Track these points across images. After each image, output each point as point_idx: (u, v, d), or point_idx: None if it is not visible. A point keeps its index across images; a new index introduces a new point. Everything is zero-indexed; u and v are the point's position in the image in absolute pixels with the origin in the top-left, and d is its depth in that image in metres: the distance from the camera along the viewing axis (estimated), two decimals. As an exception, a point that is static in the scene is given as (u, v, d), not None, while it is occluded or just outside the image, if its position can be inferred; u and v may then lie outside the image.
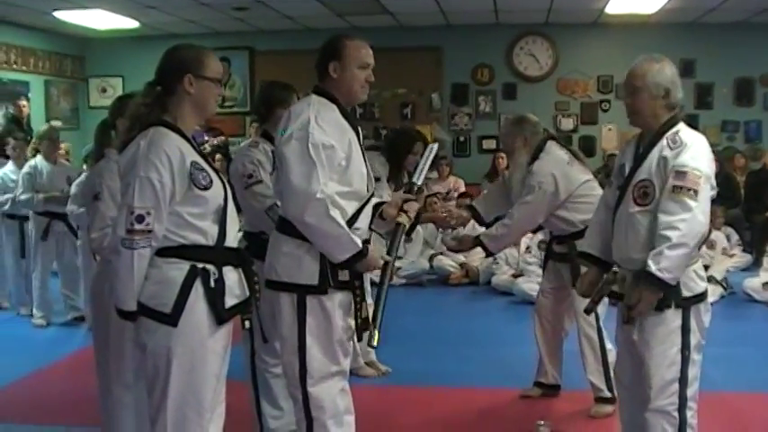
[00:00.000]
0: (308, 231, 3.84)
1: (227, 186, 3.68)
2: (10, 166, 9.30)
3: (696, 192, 3.88)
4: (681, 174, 3.91)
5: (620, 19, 13.01)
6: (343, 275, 3.97)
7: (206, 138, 12.30)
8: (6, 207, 9.06)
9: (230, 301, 3.57)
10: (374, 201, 4.17)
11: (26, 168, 8.81)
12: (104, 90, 15.52)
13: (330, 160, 3.86)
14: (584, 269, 4.74)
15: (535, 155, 5.88)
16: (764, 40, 13.57)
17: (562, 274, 5.95)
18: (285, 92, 5.42)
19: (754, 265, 10.71)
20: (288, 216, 3.92)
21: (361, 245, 3.88)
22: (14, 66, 13.42)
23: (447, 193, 12.70)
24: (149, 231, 3.39)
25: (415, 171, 4.60)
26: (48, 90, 14.41)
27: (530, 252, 10.27)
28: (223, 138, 13.02)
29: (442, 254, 11.40)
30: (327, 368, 4.01)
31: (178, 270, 3.46)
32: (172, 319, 3.43)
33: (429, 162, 4.68)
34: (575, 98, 14.35)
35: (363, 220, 4.06)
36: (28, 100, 12.91)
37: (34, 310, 8.89)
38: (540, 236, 10.30)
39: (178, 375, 3.46)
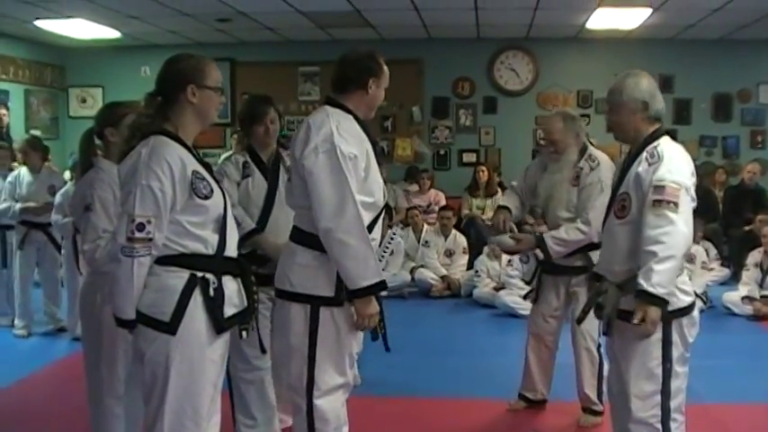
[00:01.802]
0: (338, 247, 3.78)
1: (226, 197, 3.70)
2: (-8, 175, 9.24)
3: (676, 204, 3.92)
4: (659, 188, 3.95)
5: (601, 34, 13.08)
6: None
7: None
8: (-14, 217, 9.00)
9: (229, 310, 3.59)
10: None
11: (9, 177, 8.80)
12: (84, 100, 15.46)
13: (354, 171, 3.85)
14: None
15: (581, 153, 5.78)
16: (742, 56, 13.68)
17: (560, 290, 5.93)
18: (263, 106, 5.39)
19: (733, 279, 10.79)
20: (320, 230, 3.80)
21: (378, 277, 3.87)
22: (-6, 75, 13.38)
23: (428, 206, 12.73)
24: (150, 240, 3.40)
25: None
26: (27, 99, 14.34)
27: (511, 265, 10.30)
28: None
29: (423, 266, 11.42)
30: (335, 381, 4.01)
31: (177, 278, 3.48)
32: (170, 327, 3.45)
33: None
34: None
35: (377, 231, 4.07)
36: (8, 109, 12.84)
37: (15, 321, 8.86)
38: (521, 249, 10.33)
39: (176, 384, 3.47)
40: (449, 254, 11.60)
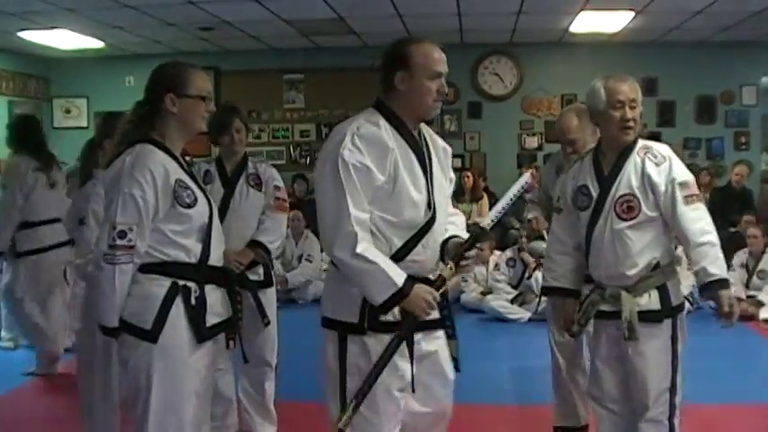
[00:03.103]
0: (341, 267, 3.43)
1: (213, 206, 3.70)
2: (-23, 185, 9.19)
3: (699, 196, 4.09)
4: (684, 184, 4.05)
5: (585, 38, 13.12)
6: (390, 315, 3.49)
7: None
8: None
9: (212, 319, 3.58)
10: (449, 232, 3.70)
11: (-1, 190, 8.77)
12: (69, 111, 15.44)
13: (366, 184, 3.38)
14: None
15: None
16: (725, 58, 13.73)
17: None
18: (229, 116, 5.40)
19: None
20: (324, 249, 3.57)
21: (400, 282, 3.36)
22: (-22, 86, 13.34)
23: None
24: (131, 247, 3.40)
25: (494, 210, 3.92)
26: (11, 110, 14.28)
27: (498, 269, 10.32)
28: (188, 158, 13.01)
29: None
30: (367, 420, 3.56)
31: (159, 286, 3.47)
32: (151, 335, 3.44)
33: (511, 200, 3.96)
34: (539, 117, 14.42)
35: (423, 253, 3.58)
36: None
37: (2, 333, 8.81)
38: (508, 253, 10.37)
39: (158, 392, 3.45)
40: (436, 259, 11.59)
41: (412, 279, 3.42)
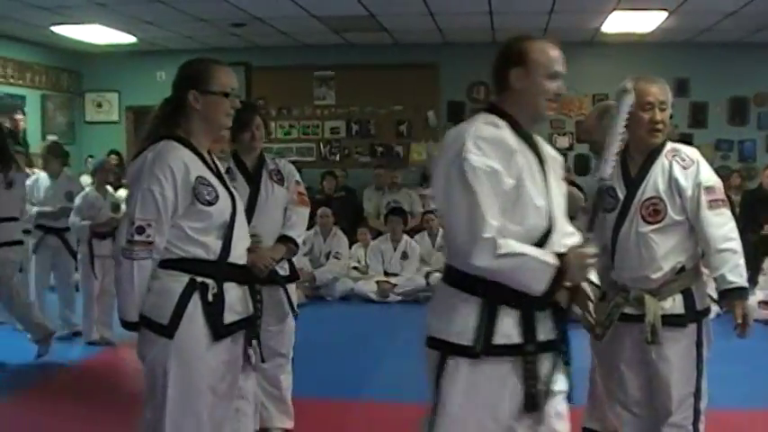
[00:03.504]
0: (488, 275, 3.10)
1: (237, 203, 3.68)
2: (7, 179, 9.27)
3: (725, 201, 4.08)
4: (710, 189, 4.05)
5: (617, 38, 13.05)
6: (508, 337, 3.16)
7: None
8: (2, 220, 9.03)
9: (230, 317, 3.56)
10: (566, 244, 3.25)
11: (27, 182, 8.84)
12: (100, 105, 15.54)
13: (497, 188, 3.10)
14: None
15: None
16: (758, 59, 13.60)
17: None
18: (249, 113, 5.38)
19: (749, 283, 10.72)
20: (456, 261, 3.20)
21: (554, 260, 3.09)
22: (11, 80, 13.42)
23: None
24: (150, 243, 3.42)
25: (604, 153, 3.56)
26: (44, 104, 14.41)
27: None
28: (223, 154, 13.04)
29: (438, 271, 11.39)
30: None
31: (177, 282, 3.47)
32: (168, 331, 3.44)
33: (621, 125, 3.56)
34: (570, 116, 14.33)
35: None
36: (24, 114, 12.90)
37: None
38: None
39: (174, 388, 3.46)
40: (463, 258, 11.58)
41: (558, 253, 3.14)
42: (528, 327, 3.16)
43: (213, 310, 3.50)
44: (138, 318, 3.49)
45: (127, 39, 13.30)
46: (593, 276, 3.55)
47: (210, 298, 3.50)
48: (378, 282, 11.27)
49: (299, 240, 5.38)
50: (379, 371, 7.41)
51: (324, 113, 14.92)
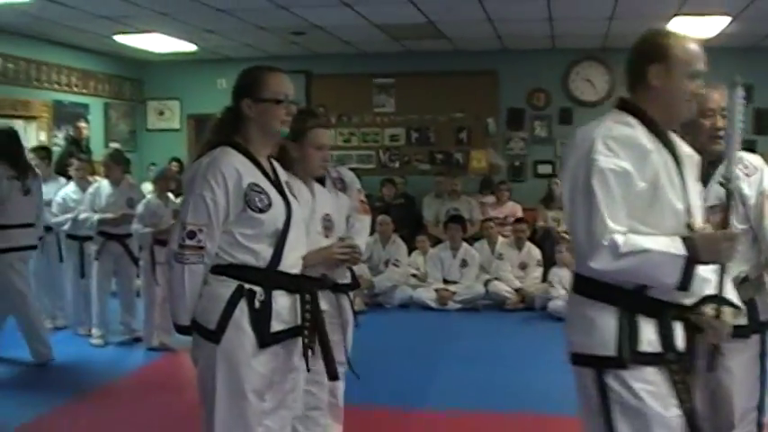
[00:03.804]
0: (611, 276, 3.00)
1: (293, 211, 3.66)
2: (72, 186, 9.44)
3: None
4: None
5: (678, 43, 12.90)
6: (649, 344, 3.02)
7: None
8: (66, 227, 9.17)
9: (277, 326, 3.55)
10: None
11: (90, 189, 8.97)
12: (162, 113, 15.68)
13: (625, 190, 2.97)
14: None
15: None
16: (824, 65, 13.38)
17: None
18: (309, 120, 5.35)
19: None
20: (583, 267, 3.07)
21: (682, 249, 2.93)
22: (75, 88, 13.60)
23: (504, 218, 12.61)
24: (200, 248, 3.44)
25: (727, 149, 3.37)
26: (107, 112, 14.58)
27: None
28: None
29: (497, 279, 11.34)
30: None
31: (225, 288, 3.48)
32: (215, 336, 3.46)
33: (738, 121, 3.31)
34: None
35: None
36: (87, 122, 13.05)
37: (93, 330, 8.98)
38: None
39: (222, 393, 3.47)
40: (523, 266, 11.53)
41: (685, 238, 2.98)
42: (666, 335, 3.04)
43: (260, 318, 3.49)
44: (189, 322, 3.52)
45: (188, 47, 13.40)
46: (734, 296, 3.29)
47: (257, 305, 3.49)
48: (437, 289, 11.24)
49: (363, 248, 5.35)
50: (438, 379, 7.38)
51: (383, 121, 14.92)
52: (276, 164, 3.80)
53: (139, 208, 8.52)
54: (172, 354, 8.31)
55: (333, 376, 4.20)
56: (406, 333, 9.88)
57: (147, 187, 11.25)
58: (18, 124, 12.11)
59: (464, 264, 11.49)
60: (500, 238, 11.85)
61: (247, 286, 3.49)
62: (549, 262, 11.29)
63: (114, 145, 13.60)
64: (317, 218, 4.42)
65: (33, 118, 12.58)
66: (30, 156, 10.15)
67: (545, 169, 14.25)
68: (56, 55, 13.04)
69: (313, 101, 14.56)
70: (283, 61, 13.31)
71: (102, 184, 9.00)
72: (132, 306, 9.17)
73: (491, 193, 13.26)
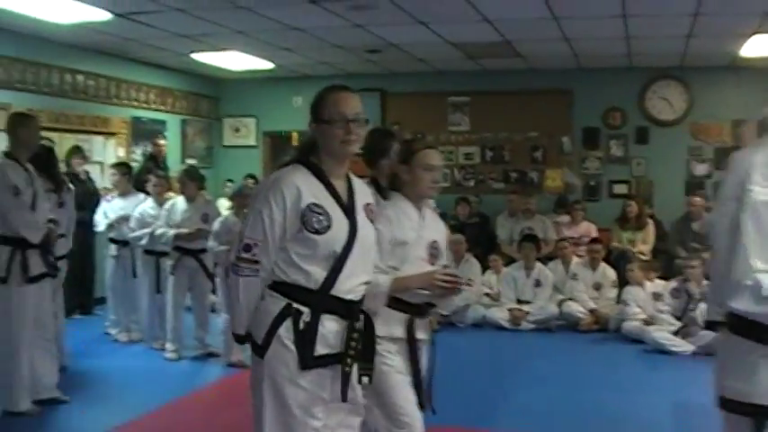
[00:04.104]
0: (752, 316, 2.81)
1: (359, 236, 3.58)
2: (149, 202, 9.57)
3: None
4: None
5: (756, 62, 12.70)
6: None
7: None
8: (143, 242, 9.31)
9: (322, 349, 3.49)
10: None
11: (166, 205, 9.09)
12: (237, 129, 15.84)
13: None
14: None
15: None
16: None
17: None
18: (387, 140, 5.33)
19: None
20: (726, 301, 2.86)
21: None
22: (153, 105, 13.83)
23: (578, 238, 12.49)
24: (255, 261, 3.47)
25: None
26: (184, 129, 14.78)
27: (662, 300, 10.05)
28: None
29: (571, 299, 11.24)
30: None
31: (275, 305, 3.49)
32: (260, 351, 3.50)
33: None
34: (709, 143, 13.96)
35: None
36: (165, 138, 13.22)
37: (167, 344, 9.08)
38: (673, 283, 10.08)
39: (270, 407, 3.48)
40: (597, 287, 11.41)
41: None
42: None
43: (304, 339, 3.46)
44: (244, 332, 3.58)
45: (264, 65, 13.51)
46: None
47: (302, 326, 3.47)
48: (510, 309, 11.17)
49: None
50: (510, 400, 7.33)
51: (458, 139, 14.89)
52: (360, 186, 3.75)
53: (215, 225, 8.60)
54: (245, 371, 8.34)
55: (422, 405, 4.20)
56: (479, 353, 9.83)
57: (223, 203, 11.38)
58: (97, 140, 12.37)
59: (538, 284, 11.41)
60: (574, 258, 11.74)
61: (295, 306, 3.47)
62: (623, 283, 11.15)
63: (191, 161, 13.78)
64: (422, 244, 4.33)
65: (112, 134, 12.80)
66: (110, 171, 10.43)
67: (620, 189, 14.10)
68: (135, 72, 13.27)
69: (388, 119, 14.60)
70: (359, 79, 13.42)
71: (178, 200, 9.10)
72: (206, 321, 9.24)
73: (566, 213, 13.14)
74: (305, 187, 3.50)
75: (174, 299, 9.06)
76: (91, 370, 8.32)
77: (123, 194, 10.02)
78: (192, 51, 12.33)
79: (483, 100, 14.59)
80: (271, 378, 3.46)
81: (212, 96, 15.65)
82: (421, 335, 4.28)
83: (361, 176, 3.96)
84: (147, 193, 9.79)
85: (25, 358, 6.77)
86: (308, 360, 3.45)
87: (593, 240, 11.96)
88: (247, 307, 3.52)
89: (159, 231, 8.98)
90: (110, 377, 8.20)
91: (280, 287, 3.51)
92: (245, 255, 3.47)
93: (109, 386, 7.89)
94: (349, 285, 3.55)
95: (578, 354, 9.78)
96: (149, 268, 9.52)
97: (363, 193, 3.75)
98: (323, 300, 3.50)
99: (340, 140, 3.53)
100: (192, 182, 9.12)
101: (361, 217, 3.63)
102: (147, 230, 9.22)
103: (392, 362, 4.23)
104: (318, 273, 3.49)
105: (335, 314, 3.53)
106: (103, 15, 9.62)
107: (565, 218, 13.01)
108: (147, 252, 9.47)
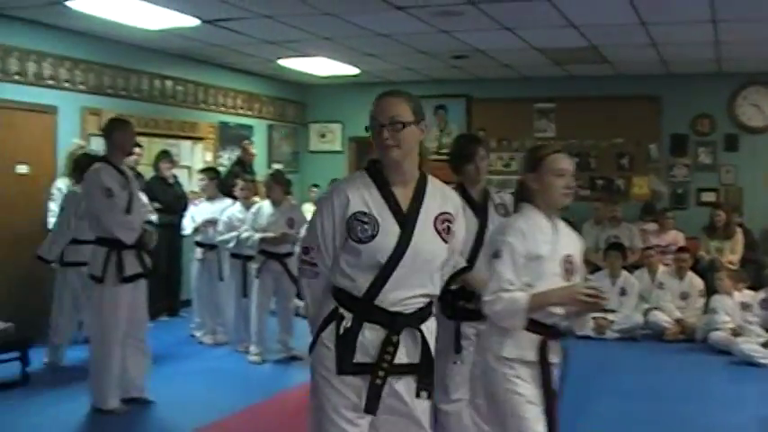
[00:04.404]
0: None
1: (413, 246, 3.48)
2: (237, 206, 9.70)
3: None
4: None
5: None
6: None
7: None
8: (231, 245, 9.43)
9: (361, 358, 3.48)
10: None
11: (252, 209, 9.19)
12: (323, 135, 15.95)
13: None
14: None
15: None
16: None
17: None
18: (473, 145, 5.33)
19: None
20: None
21: None
22: (240, 110, 13.99)
23: (666, 246, 12.32)
24: (313, 264, 3.59)
25: None
26: (270, 134, 14.92)
27: (750, 310, 9.87)
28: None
29: (656, 308, 11.09)
30: None
31: (327, 306, 3.57)
32: (311, 347, 3.63)
33: None
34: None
35: None
36: (252, 143, 13.36)
37: (251, 347, 9.16)
38: (762, 293, 9.90)
39: (313, 407, 3.59)
40: (684, 297, 11.23)
41: None
42: None
43: (341, 343, 3.49)
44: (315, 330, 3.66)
45: (350, 70, 13.59)
46: None
47: (341, 331, 3.49)
48: (594, 318, 11.06)
49: None
50: (594, 410, 7.24)
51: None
52: (438, 194, 3.64)
53: (303, 232, 8.63)
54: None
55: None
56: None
57: (309, 208, 11.44)
58: (185, 145, 12.56)
59: (623, 292, 11.28)
60: (661, 267, 11.58)
61: (341, 310, 3.52)
62: (710, 293, 10.96)
63: (277, 166, 13.88)
64: (556, 258, 4.11)
65: (200, 139, 13.00)
66: (199, 176, 10.58)
67: (709, 197, 13.85)
68: (222, 78, 13.46)
69: (473, 125, 14.58)
70: (444, 85, 13.44)
71: (264, 204, 9.18)
72: (290, 325, 9.32)
73: (653, 221, 12.96)
74: (356, 195, 3.50)
75: (259, 302, 9.14)
76: (176, 371, 8.44)
77: (211, 199, 10.16)
78: (279, 57, 12.45)
79: (569, 106, 14.47)
80: (315, 377, 3.57)
81: (299, 102, 15.78)
82: (554, 358, 4.17)
83: (447, 182, 3.88)
84: (235, 198, 9.90)
85: (117, 357, 6.92)
86: (345, 365, 3.47)
87: (681, 249, 11.78)
88: (313, 305, 3.67)
89: (245, 235, 9.07)
90: (194, 379, 8.32)
91: (334, 291, 3.57)
92: (304, 257, 3.62)
93: (193, 388, 8.01)
94: (395, 297, 3.49)
95: (664, 364, 9.60)
96: (236, 272, 9.64)
97: (438, 203, 3.62)
98: (365, 308, 3.49)
99: (379, 146, 3.53)
100: (279, 186, 9.18)
101: (421, 227, 3.53)
102: (234, 234, 9.33)
103: (523, 389, 4.08)
104: (363, 281, 3.49)
105: (378, 324, 3.49)
106: (191, 22, 9.77)
107: (652, 226, 12.83)
108: (234, 255, 9.59)
